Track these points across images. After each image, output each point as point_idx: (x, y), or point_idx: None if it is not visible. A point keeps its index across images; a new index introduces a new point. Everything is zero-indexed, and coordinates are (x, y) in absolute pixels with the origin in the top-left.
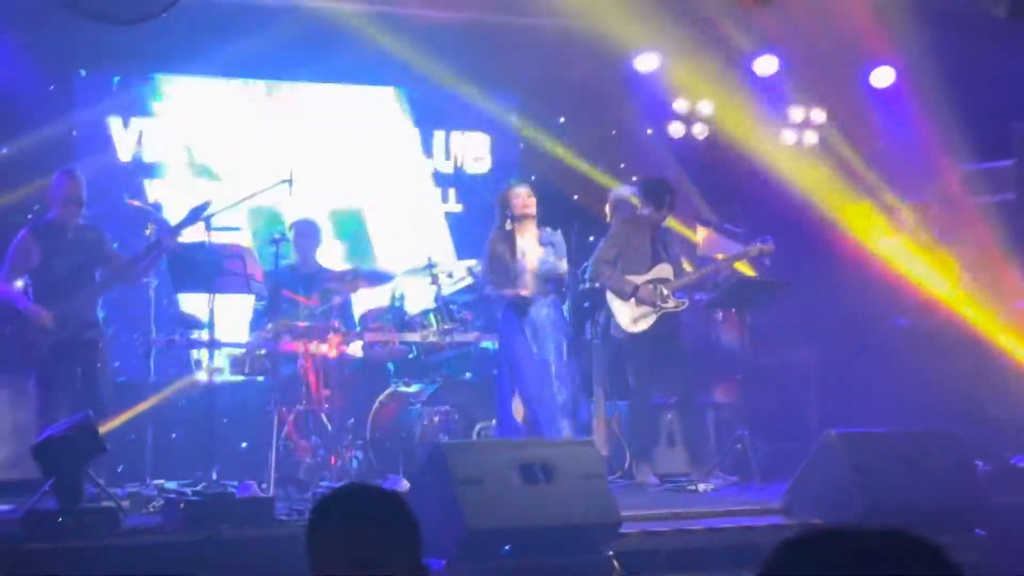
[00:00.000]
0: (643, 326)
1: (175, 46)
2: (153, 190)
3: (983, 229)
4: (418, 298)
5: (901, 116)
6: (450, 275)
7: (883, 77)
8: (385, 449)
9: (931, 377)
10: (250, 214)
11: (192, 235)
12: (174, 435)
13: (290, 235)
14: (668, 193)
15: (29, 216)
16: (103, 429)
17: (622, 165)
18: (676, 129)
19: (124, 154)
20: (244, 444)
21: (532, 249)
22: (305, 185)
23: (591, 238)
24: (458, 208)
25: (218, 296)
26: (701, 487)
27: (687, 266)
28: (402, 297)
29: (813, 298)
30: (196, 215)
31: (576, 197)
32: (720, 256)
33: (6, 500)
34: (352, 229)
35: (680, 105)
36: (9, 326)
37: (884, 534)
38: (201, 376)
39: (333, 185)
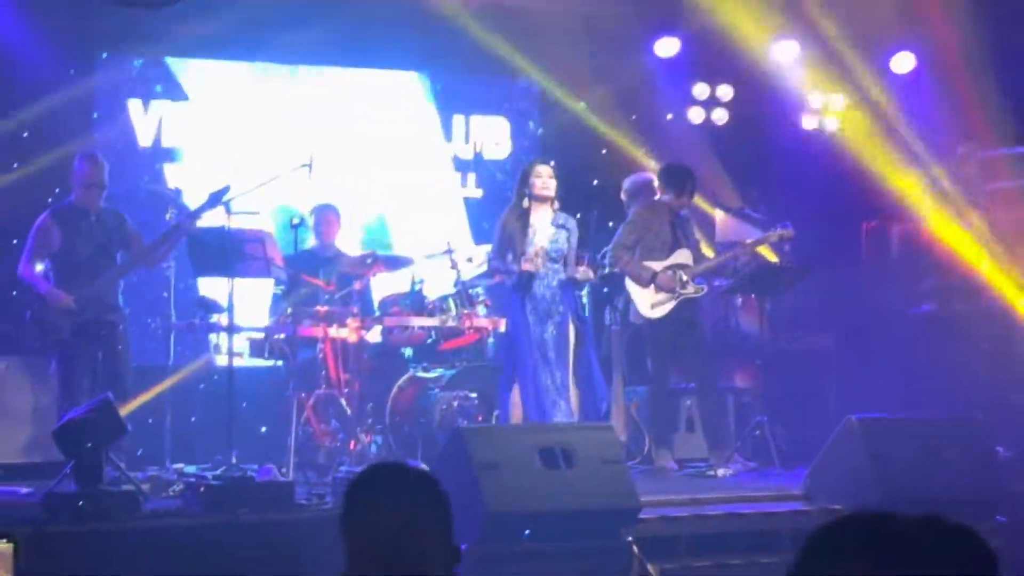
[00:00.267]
0: (662, 312)
1: (196, 30)
2: (173, 174)
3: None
4: (437, 283)
5: (922, 101)
6: (469, 260)
7: (904, 63)
8: (404, 434)
9: (951, 363)
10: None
11: (212, 219)
12: (193, 419)
13: (310, 220)
14: (689, 179)
15: (50, 200)
16: (123, 412)
17: (642, 150)
18: (696, 114)
19: (144, 138)
20: (263, 428)
21: (544, 229)
22: (325, 169)
23: (611, 223)
24: (477, 193)
25: (237, 280)
26: (720, 472)
27: (707, 251)
28: (421, 282)
29: (832, 284)
30: (216, 199)
31: (596, 182)
32: (746, 241)
33: (26, 483)
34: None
35: (700, 90)
36: (30, 309)
37: (921, 520)
38: (220, 360)
39: (353, 169)
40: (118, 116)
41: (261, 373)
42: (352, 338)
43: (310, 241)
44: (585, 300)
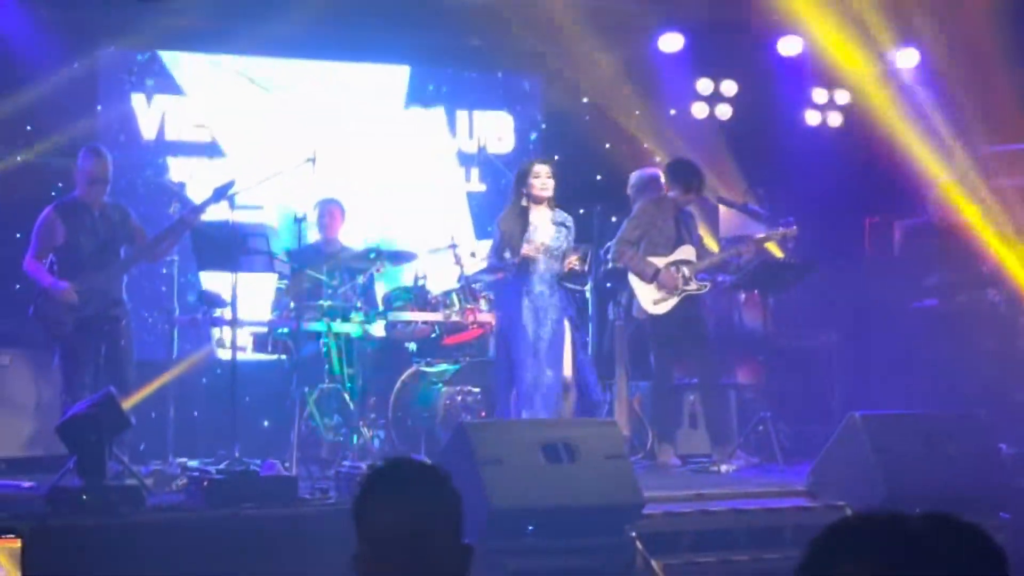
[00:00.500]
0: (665, 308)
1: (200, 24)
2: (176, 168)
3: None
4: (441, 278)
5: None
6: (473, 255)
7: (907, 58)
8: (407, 428)
9: (954, 360)
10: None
11: (216, 214)
12: (196, 413)
13: (313, 214)
14: (697, 175)
15: (53, 194)
16: (125, 405)
17: (645, 145)
18: (699, 110)
19: (147, 132)
20: (266, 423)
21: (545, 226)
22: (329, 164)
23: (613, 219)
24: (481, 188)
25: (240, 274)
26: (723, 468)
27: (711, 244)
28: (425, 277)
29: (835, 280)
30: (220, 194)
31: (599, 177)
32: (756, 236)
33: (29, 477)
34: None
35: (703, 86)
36: (34, 303)
37: (930, 518)
38: (222, 353)
39: (356, 164)
40: (121, 109)
41: (264, 367)
42: (355, 332)
43: (313, 236)
44: (588, 295)
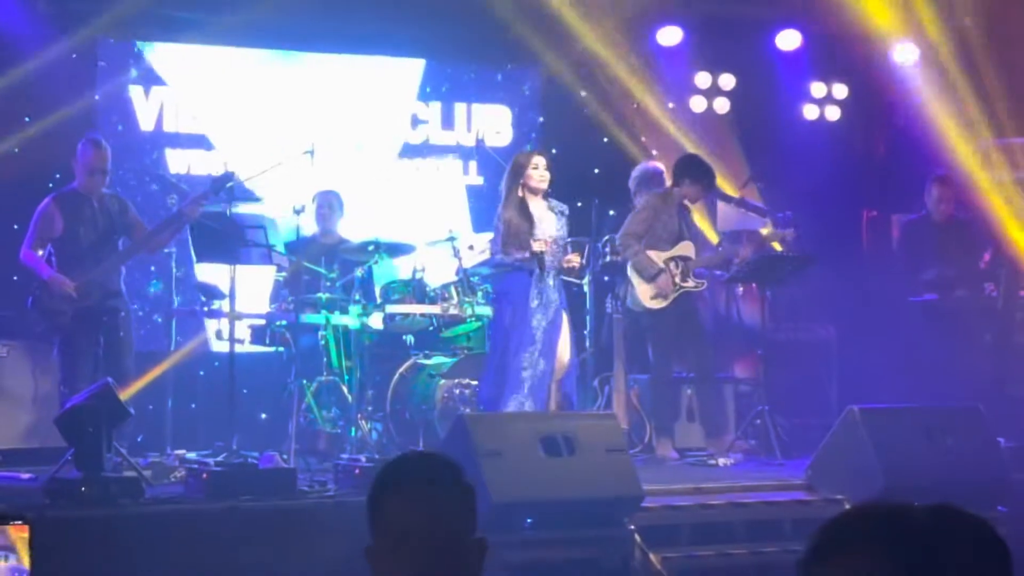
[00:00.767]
0: (662, 303)
1: (200, 15)
2: (174, 160)
3: None
4: (439, 270)
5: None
6: (471, 247)
7: (906, 53)
8: (405, 421)
9: (951, 354)
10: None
11: (214, 206)
12: (194, 406)
13: (311, 206)
14: (707, 173)
15: (51, 184)
16: (123, 396)
17: (643, 139)
18: (698, 103)
19: (146, 123)
20: (264, 415)
21: (547, 218)
22: (327, 156)
23: (611, 212)
24: (479, 181)
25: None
26: (722, 461)
27: (711, 237)
28: (423, 269)
29: (833, 273)
30: (218, 186)
31: (597, 171)
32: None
33: (27, 468)
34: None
35: (702, 79)
36: (32, 295)
37: (933, 510)
38: (218, 345)
39: (355, 157)
40: (119, 100)
41: (262, 360)
42: (354, 325)
43: (312, 228)
44: (586, 288)
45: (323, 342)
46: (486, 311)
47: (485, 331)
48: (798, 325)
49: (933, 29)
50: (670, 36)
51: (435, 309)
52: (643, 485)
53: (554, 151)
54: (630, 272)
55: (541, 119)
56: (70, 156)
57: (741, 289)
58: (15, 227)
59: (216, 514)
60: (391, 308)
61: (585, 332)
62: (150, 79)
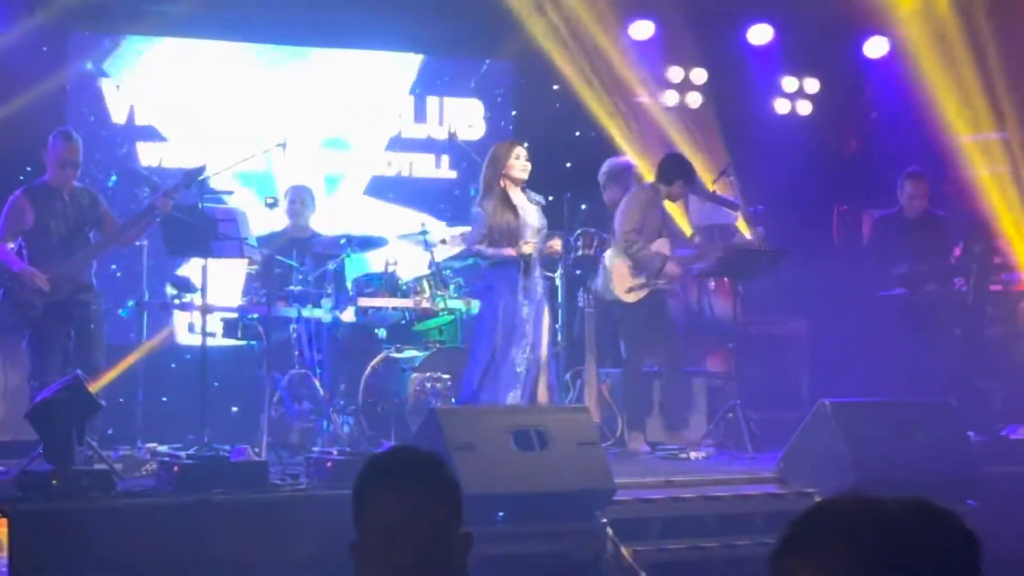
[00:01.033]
0: (636, 297)
1: (171, 8)
2: (146, 153)
3: None
4: (411, 264)
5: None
6: (443, 241)
7: (877, 48)
8: (377, 414)
9: (922, 348)
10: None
11: (186, 199)
12: (165, 399)
13: (284, 200)
14: (690, 171)
15: (22, 178)
16: (92, 389)
17: (616, 133)
18: (670, 98)
19: (117, 116)
20: (236, 408)
21: (529, 209)
22: (300, 149)
23: (583, 206)
24: (451, 175)
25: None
26: (693, 455)
27: (685, 230)
28: (395, 263)
29: (805, 268)
30: (190, 179)
31: (569, 165)
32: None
33: None
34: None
35: (674, 74)
36: (3, 287)
37: (904, 503)
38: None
39: (327, 149)
40: (90, 93)
41: (234, 353)
42: (326, 318)
43: (284, 222)
44: (558, 282)
45: (295, 335)
46: (459, 305)
47: (457, 325)
48: (770, 319)
49: (907, 22)
50: (642, 30)
51: (407, 303)
52: (615, 478)
53: (526, 145)
54: (613, 265)
55: (514, 112)
56: (41, 149)
57: (713, 283)
58: None
59: (187, 507)
60: (363, 302)
61: (557, 326)
62: (122, 72)
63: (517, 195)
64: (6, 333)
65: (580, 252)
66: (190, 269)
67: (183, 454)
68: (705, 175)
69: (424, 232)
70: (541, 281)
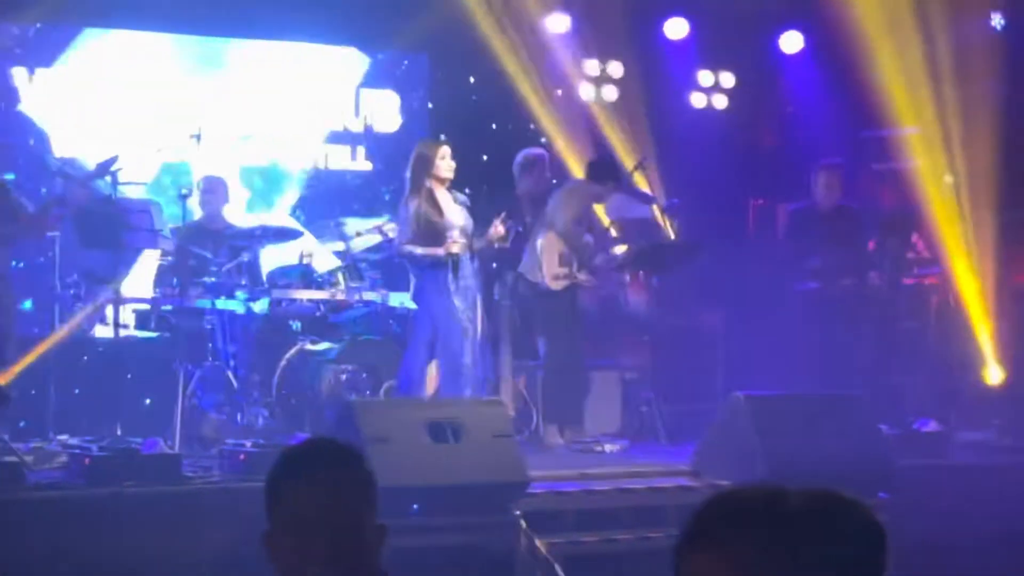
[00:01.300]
0: (561, 285)
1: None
2: (59, 143)
3: None
4: (326, 256)
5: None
6: (358, 233)
7: (792, 42)
8: (291, 407)
9: (835, 341)
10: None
11: (99, 189)
12: (77, 391)
13: (197, 191)
14: (619, 172)
15: None
16: (2, 381)
17: (532, 126)
18: (586, 91)
19: (29, 106)
20: (148, 400)
21: (453, 208)
22: (214, 140)
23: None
24: (367, 166)
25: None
26: (608, 448)
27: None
28: (310, 255)
29: (720, 261)
30: (103, 169)
31: (485, 158)
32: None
33: None
34: (261, 185)
35: (590, 67)
36: None
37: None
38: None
39: (243, 141)
40: (2, 82)
41: (147, 345)
42: (239, 310)
43: (197, 213)
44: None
45: (209, 327)
46: (374, 297)
47: (372, 317)
48: (685, 312)
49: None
50: (559, 23)
51: (322, 294)
52: (529, 471)
53: (442, 137)
54: (544, 252)
55: (430, 105)
56: None
57: (628, 276)
58: None
59: (99, 500)
60: (278, 293)
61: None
62: (36, 61)
63: (443, 194)
64: None
65: (497, 245)
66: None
67: (94, 446)
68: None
69: (339, 224)
70: (474, 276)
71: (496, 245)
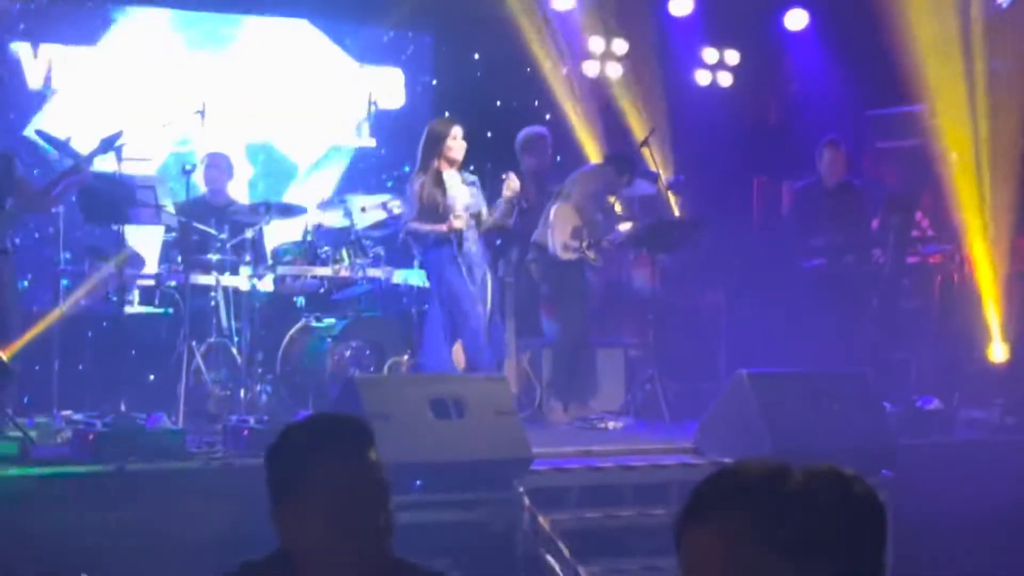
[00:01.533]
0: (569, 256)
1: None
2: (62, 119)
3: None
4: (330, 232)
5: (814, 59)
6: (363, 210)
7: (797, 20)
8: (295, 383)
9: (839, 319)
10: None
11: (103, 165)
12: (81, 367)
13: (201, 167)
14: (633, 169)
15: None
16: (5, 355)
17: (536, 103)
18: (590, 68)
19: (33, 81)
20: (152, 376)
21: (459, 188)
22: (219, 117)
23: (503, 176)
24: (371, 143)
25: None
26: (611, 425)
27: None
28: (315, 231)
29: (724, 239)
30: (108, 145)
31: (489, 135)
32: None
33: None
34: (266, 161)
35: (595, 44)
36: None
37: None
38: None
39: (247, 117)
40: (5, 59)
41: (151, 321)
42: (244, 286)
43: (202, 189)
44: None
45: (213, 303)
46: (377, 273)
47: (376, 294)
48: (688, 290)
49: None
50: (563, 1)
51: (326, 271)
52: (533, 448)
53: (447, 114)
54: (553, 217)
55: (434, 82)
56: None
57: (632, 254)
58: None
59: (102, 475)
60: (282, 270)
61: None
62: (40, 36)
63: (450, 175)
64: None
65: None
66: (107, 235)
67: (98, 422)
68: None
69: (343, 200)
70: (481, 255)
71: (500, 223)
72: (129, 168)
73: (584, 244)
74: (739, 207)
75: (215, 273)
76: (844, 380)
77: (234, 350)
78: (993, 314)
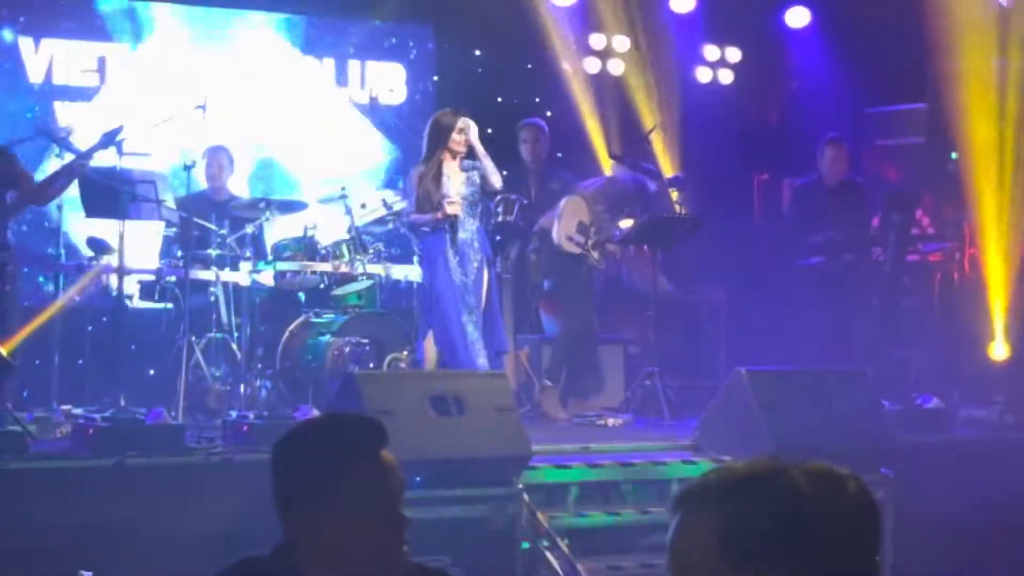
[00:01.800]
0: (570, 248)
1: None
2: (63, 113)
3: None
4: (331, 228)
5: (815, 57)
6: (363, 206)
7: (798, 17)
8: (295, 379)
9: (839, 317)
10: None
11: (103, 160)
12: (81, 361)
13: (202, 162)
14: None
15: None
16: (5, 349)
17: (537, 99)
18: (591, 65)
19: (35, 75)
20: (152, 371)
21: (456, 174)
22: (219, 112)
23: (505, 172)
24: (373, 138)
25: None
26: (611, 422)
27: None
28: (315, 227)
29: (724, 236)
30: (108, 139)
31: (490, 131)
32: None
33: None
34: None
35: (596, 41)
36: None
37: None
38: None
39: (248, 113)
40: (7, 53)
41: (151, 316)
42: (244, 282)
43: (202, 184)
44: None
45: (213, 299)
46: (377, 269)
47: (376, 289)
48: (688, 287)
49: None
50: None
51: (326, 267)
52: (532, 445)
53: (448, 110)
54: (563, 208)
55: (436, 78)
56: None
57: (632, 250)
58: None
59: (102, 470)
60: (282, 265)
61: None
62: (41, 31)
63: (450, 165)
64: None
65: (500, 218)
66: (104, 229)
67: (98, 417)
68: (622, 142)
69: (344, 196)
70: (479, 242)
71: (501, 219)
72: (129, 163)
73: (588, 243)
74: (740, 204)
75: (215, 268)
76: (844, 378)
77: (234, 345)
78: (999, 313)
